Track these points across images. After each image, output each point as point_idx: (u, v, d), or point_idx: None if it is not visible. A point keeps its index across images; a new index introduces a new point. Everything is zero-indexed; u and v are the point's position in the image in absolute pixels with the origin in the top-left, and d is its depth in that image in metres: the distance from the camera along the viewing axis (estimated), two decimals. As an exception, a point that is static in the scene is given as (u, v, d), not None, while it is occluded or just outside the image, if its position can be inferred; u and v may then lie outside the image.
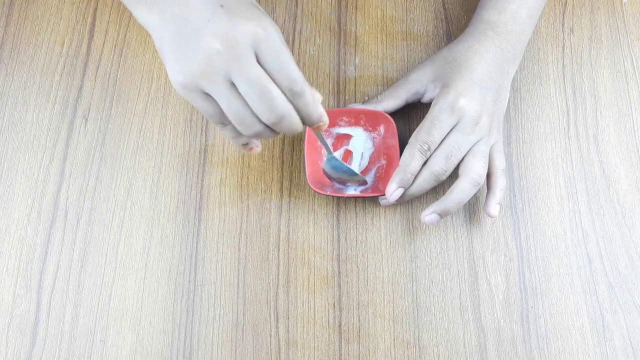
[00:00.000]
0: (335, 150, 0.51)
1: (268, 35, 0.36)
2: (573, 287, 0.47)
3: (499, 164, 0.47)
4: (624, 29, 0.56)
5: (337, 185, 0.48)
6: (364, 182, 0.48)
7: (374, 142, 0.51)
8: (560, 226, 0.49)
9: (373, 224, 0.49)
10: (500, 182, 0.47)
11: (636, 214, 0.49)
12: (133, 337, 0.45)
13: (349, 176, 0.48)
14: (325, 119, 0.41)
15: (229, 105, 0.37)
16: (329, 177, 0.48)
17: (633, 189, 0.50)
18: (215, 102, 0.38)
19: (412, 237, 0.48)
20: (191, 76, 0.37)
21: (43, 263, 0.47)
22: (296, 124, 0.39)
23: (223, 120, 0.39)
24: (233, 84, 0.37)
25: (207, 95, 0.38)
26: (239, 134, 0.41)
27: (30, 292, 0.47)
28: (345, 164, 0.48)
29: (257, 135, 0.40)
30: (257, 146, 0.44)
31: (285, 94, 0.37)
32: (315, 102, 0.39)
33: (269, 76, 0.36)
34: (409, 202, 0.49)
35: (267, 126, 0.39)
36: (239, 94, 0.37)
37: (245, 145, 0.44)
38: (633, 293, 0.47)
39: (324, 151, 0.50)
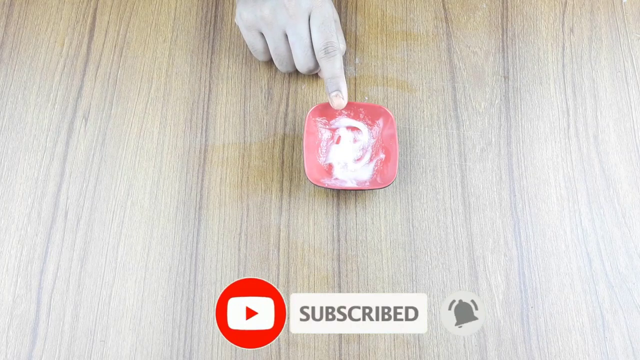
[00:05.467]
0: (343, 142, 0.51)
1: (323, 5, 0.48)
2: (573, 287, 0.47)
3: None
4: (624, 29, 0.56)
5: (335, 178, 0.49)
6: None
7: (373, 136, 0.51)
8: (560, 226, 0.49)
9: (373, 224, 0.49)
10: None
11: (636, 214, 0.49)
12: (133, 337, 0.45)
13: None
14: (344, 91, 0.48)
15: (276, 47, 0.49)
16: None
17: (633, 189, 0.50)
18: (265, 41, 0.50)
19: (412, 237, 0.48)
20: (256, 18, 0.48)
21: (43, 263, 0.47)
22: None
23: (264, 54, 0.51)
24: (285, 34, 0.48)
25: (261, 35, 0.50)
26: (268, 59, 0.52)
27: (30, 292, 0.47)
28: None
29: (285, 70, 0.51)
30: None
31: (320, 51, 0.47)
32: (341, 71, 0.48)
33: (314, 34, 0.47)
34: (409, 202, 0.49)
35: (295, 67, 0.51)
36: (287, 41, 0.49)
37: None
38: (633, 293, 0.47)
39: (322, 144, 0.50)
